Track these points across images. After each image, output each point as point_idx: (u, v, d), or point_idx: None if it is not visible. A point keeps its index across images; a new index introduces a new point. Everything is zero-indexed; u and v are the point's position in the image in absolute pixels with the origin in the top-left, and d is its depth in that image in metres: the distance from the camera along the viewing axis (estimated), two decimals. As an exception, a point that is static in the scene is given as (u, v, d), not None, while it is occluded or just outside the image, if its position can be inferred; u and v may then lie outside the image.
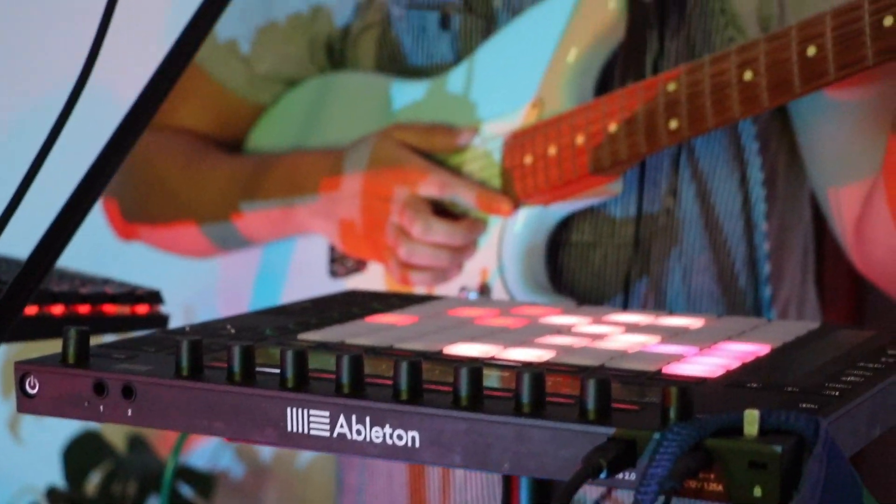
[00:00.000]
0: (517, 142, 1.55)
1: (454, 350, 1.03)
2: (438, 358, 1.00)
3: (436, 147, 1.59)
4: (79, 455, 2.52)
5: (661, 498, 0.75)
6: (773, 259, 1.64)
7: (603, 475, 0.78)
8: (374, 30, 1.68)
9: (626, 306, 1.58)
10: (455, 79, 1.61)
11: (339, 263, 1.70)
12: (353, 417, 0.87)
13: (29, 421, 2.64)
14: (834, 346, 1.07)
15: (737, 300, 1.62)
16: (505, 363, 0.98)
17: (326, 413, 0.88)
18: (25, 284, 0.91)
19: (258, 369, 0.93)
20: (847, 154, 1.54)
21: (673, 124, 1.43)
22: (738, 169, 1.60)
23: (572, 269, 1.59)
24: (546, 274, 1.57)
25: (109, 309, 1.33)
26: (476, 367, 0.87)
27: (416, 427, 0.86)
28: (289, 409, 0.89)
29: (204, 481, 2.54)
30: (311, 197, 1.65)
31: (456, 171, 1.58)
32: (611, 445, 0.79)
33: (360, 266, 1.68)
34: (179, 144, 1.78)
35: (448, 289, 1.59)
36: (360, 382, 0.89)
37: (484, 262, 1.58)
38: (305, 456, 2.48)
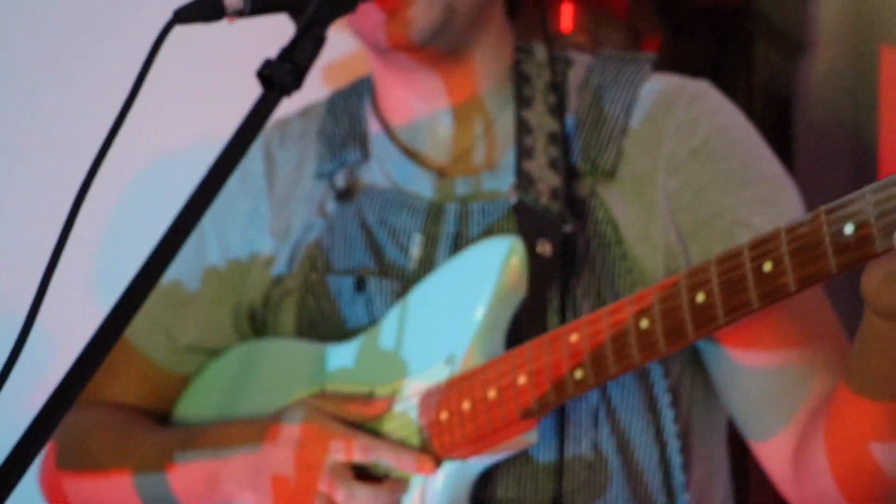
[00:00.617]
0: (432, 399, 1.59)
1: None
2: None
3: (352, 417, 1.63)
4: None
5: None
6: None
7: None
8: (293, 296, 1.73)
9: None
10: (375, 340, 1.66)
11: None
12: None
13: None
14: None
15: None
16: None
17: None
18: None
19: None
20: (765, 414, 1.60)
21: (578, 374, 1.48)
22: (654, 422, 1.65)
23: None
24: None
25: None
26: None
27: None
28: None
29: None
30: (244, 448, 1.67)
31: (375, 433, 1.62)
32: None
33: None
34: (108, 420, 1.81)
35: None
36: None
37: (408, 521, 1.60)
38: None
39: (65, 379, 1.15)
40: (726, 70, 2.60)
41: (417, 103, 1.72)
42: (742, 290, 1.37)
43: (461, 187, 1.69)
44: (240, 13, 1.42)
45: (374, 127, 1.76)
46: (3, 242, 2.65)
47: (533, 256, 1.58)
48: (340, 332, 1.71)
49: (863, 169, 2.83)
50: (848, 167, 2.86)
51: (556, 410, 1.58)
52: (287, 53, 1.44)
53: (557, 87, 1.70)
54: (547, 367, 1.50)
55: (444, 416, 1.58)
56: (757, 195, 1.63)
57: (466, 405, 1.56)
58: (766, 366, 1.59)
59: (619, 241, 1.63)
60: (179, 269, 1.82)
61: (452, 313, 1.60)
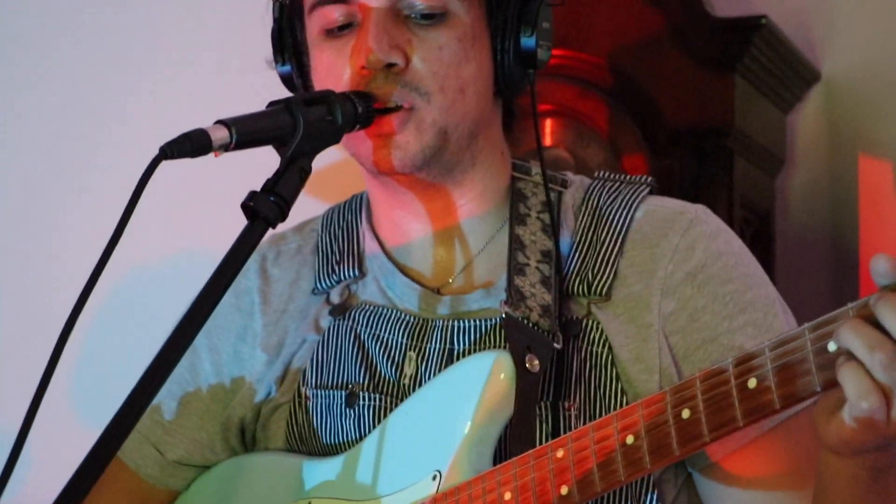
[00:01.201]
0: None
1: None
2: None
3: None
4: None
5: None
6: None
7: None
8: (283, 410, 1.74)
9: None
10: (363, 455, 1.66)
11: None
12: None
13: None
14: None
15: None
16: None
17: None
18: None
19: None
20: None
21: (563, 490, 1.48)
22: None
23: None
24: None
25: None
26: None
27: None
28: None
29: None
30: None
31: None
32: None
33: None
34: None
35: None
36: None
37: None
38: None
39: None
40: (707, 185, 2.63)
41: (413, 223, 1.74)
42: (727, 406, 1.37)
43: (456, 305, 1.70)
44: (225, 147, 1.45)
45: (370, 244, 1.78)
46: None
47: (521, 371, 1.58)
48: (329, 446, 1.71)
49: (843, 281, 2.86)
50: (828, 280, 2.88)
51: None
52: (271, 185, 1.48)
53: (552, 207, 1.71)
54: (532, 483, 1.50)
55: None
56: (751, 321, 1.64)
57: None
58: (759, 495, 1.59)
59: (615, 362, 1.63)
60: (169, 386, 1.80)
61: (439, 429, 1.60)
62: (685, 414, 1.40)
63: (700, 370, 1.58)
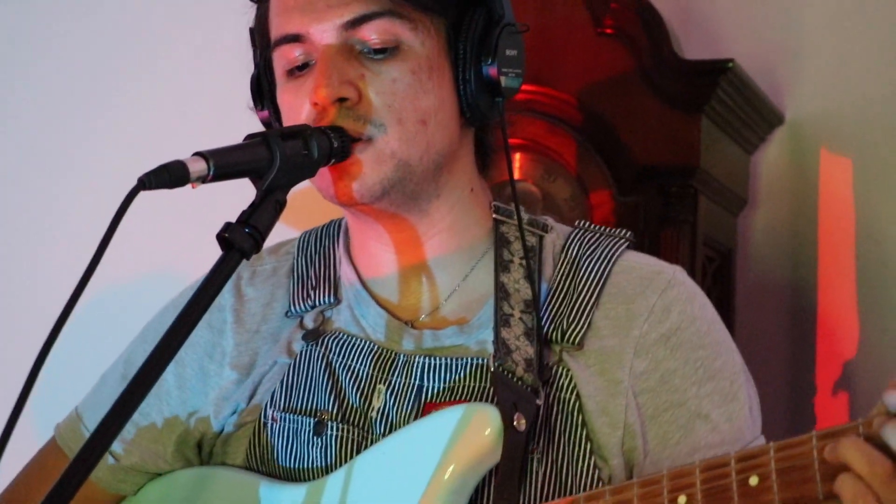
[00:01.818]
0: None
1: None
2: None
3: None
4: None
5: None
6: None
7: None
8: (247, 429, 1.73)
9: None
10: (334, 486, 1.65)
11: None
12: None
13: None
14: None
15: None
16: None
17: None
18: None
19: None
20: None
21: None
22: None
23: None
24: None
25: None
26: None
27: None
28: None
29: None
30: None
31: None
32: None
33: None
34: None
35: None
36: None
37: None
38: None
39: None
40: (671, 224, 2.65)
41: (386, 254, 1.74)
42: (726, 499, 1.38)
43: (429, 340, 1.70)
44: (203, 180, 1.46)
45: (346, 272, 1.78)
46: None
47: (509, 429, 1.58)
48: (291, 470, 1.70)
49: (802, 319, 2.89)
50: (787, 318, 2.91)
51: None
52: (247, 217, 1.49)
53: (530, 255, 1.71)
54: None
55: None
56: (718, 389, 1.65)
57: None
58: None
59: (581, 410, 1.63)
60: None
61: (417, 472, 1.59)
62: (681, 500, 1.41)
63: (665, 432, 1.61)
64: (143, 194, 1.40)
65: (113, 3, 2.98)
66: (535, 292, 1.68)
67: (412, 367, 1.68)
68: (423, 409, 1.66)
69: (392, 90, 1.62)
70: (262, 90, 1.74)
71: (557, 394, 1.63)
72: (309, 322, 1.77)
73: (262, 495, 1.69)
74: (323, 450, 1.68)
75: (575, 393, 1.63)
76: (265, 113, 1.75)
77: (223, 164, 1.47)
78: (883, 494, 1.31)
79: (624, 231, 1.75)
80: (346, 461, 1.66)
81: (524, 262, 1.70)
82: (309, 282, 1.79)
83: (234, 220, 1.50)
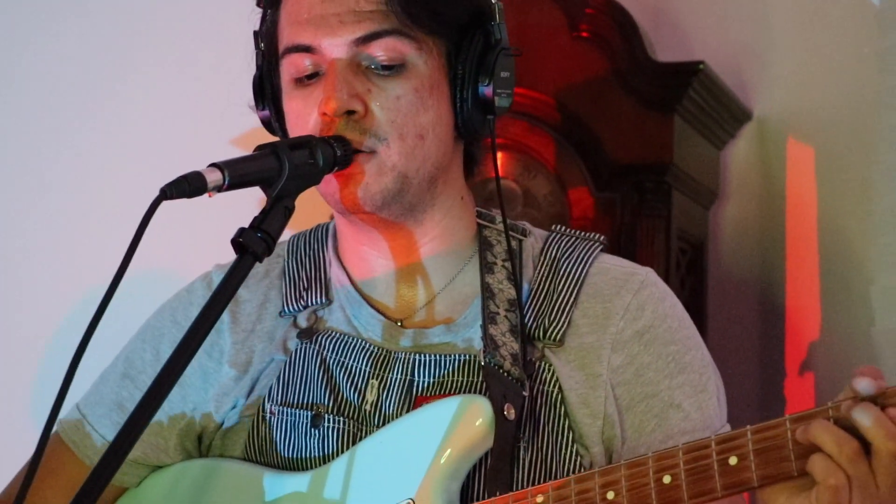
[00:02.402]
0: None
1: None
2: None
3: None
4: None
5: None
6: None
7: None
8: (246, 422, 1.79)
9: None
10: (334, 475, 1.72)
11: None
12: None
13: None
14: None
15: None
16: None
17: None
18: None
19: None
20: None
21: None
22: None
23: None
24: None
25: None
26: None
27: None
28: None
29: None
30: None
31: None
32: None
33: None
34: None
35: None
36: None
37: None
38: None
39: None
40: (646, 217, 2.73)
41: (378, 259, 1.80)
42: (707, 477, 1.47)
43: (417, 338, 1.77)
44: (218, 189, 1.53)
45: (337, 274, 1.84)
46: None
47: (500, 418, 1.64)
48: (289, 461, 1.77)
49: (771, 305, 2.97)
50: (757, 305, 2.99)
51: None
52: (259, 223, 1.56)
53: (513, 257, 1.78)
54: None
55: None
56: (689, 381, 1.74)
57: None
58: None
59: (563, 402, 1.71)
60: (134, 392, 1.88)
61: (414, 459, 1.67)
62: (666, 479, 1.49)
63: (640, 421, 1.70)
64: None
65: (116, 4, 3.03)
66: (519, 292, 1.76)
67: (403, 363, 1.75)
68: (415, 402, 1.73)
69: (396, 106, 1.69)
70: (265, 91, 1.80)
71: (541, 387, 1.71)
72: (302, 321, 1.83)
73: (267, 484, 1.76)
74: (320, 441, 1.75)
75: (557, 386, 1.71)
76: (266, 112, 1.81)
77: (236, 174, 1.54)
78: (851, 471, 1.41)
79: (597, 235, 1.82)
80: (342, 451, 1.73)
81: (507, 264, 1.78)
82: (301, 283, 1.85)
83: (246, 225, 1.57)
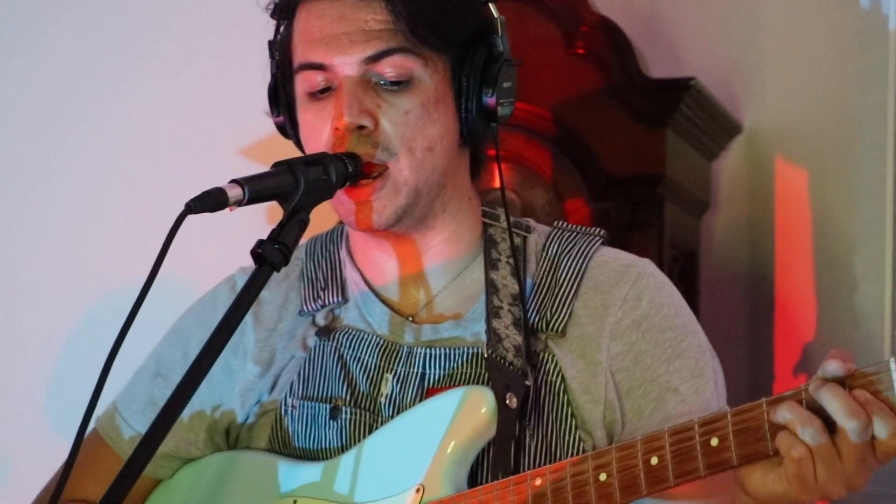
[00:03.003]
0: None
1: None
2: None
3: None
4: None
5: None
6: None
7: None
8: (270, 416, 1.88)
9: None
10: (348, 463, 1.80)
11: None
12: None
13: None
14: None
15: None
16: None
17: None
18: None
19: None
20: None
21: None
22: None
23: None
24: None
25: None
26: None
27: None
28: None
29: None
30: None
31: None
32: None
33: None
34: None
35: None
36: None
37: None
38: None
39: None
40: (639, 227, 2.79)
41: (389, 262, 1.88)
42: (691, 458, 1.56)
43: (429, 333, 1.85)
44: (238, 203, 1.62)
45: (351, 274, 1.92)
46: None
47: (502, 407, 1.72)
48: (310, 451, 1.85)
49: (760, 312, 3.05)
50: (746, 311, 3.07)
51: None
52: (276, 234, 1.65)
53: (517, 254, 1.86)
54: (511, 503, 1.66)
55: None
56: (685, 366, 1.81)
57: None
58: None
59: (566, 390, 1.79)
60: (166, 391, 1.90)
61: (423, 447, 1.75)
62: (654, 461, 1.57)
63: (639, 405, 1.78)
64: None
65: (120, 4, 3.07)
66: (522, 287, 1.83)
67: (415, 357, 1.83)
68: (426, 393, 1.81)
69: (405, 121, 1.77)
70: (279, 99, 1.87)
71: (544, 377, 1.78)
72: (320, 320, 1.91)
73: (282, 473, 1.84)
74: (338, 432, 1.83)
75: (560, 375, 1.79)
76: (280, 118, 1.88)
77: (256, 190, 1.63)
78: (813, 446, 1.50)
79: (597, 229, 1.90)
80: (359, 441, 1.81)
81: (511, 260, 1.85)
82: (318, 284, 1.93)
83: (265, 237, 1.65)
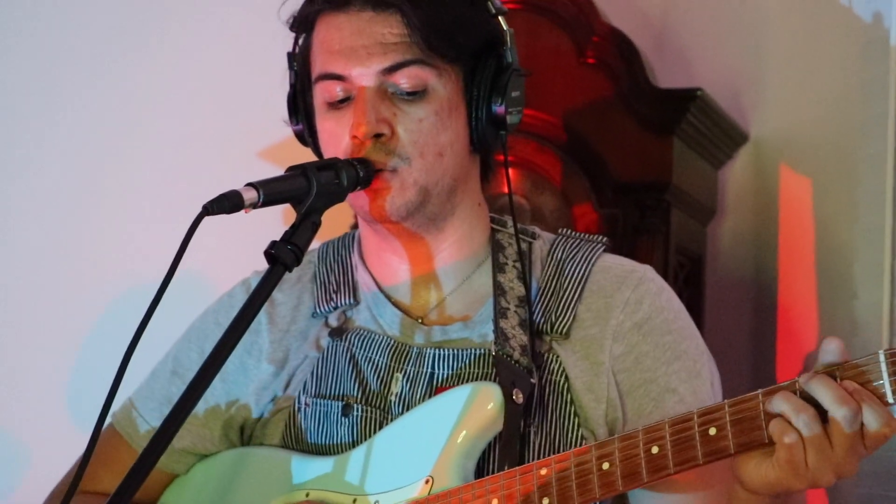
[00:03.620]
0: None
1: None
2: None
3: None
4: None
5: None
6: None
7: None
8: (284, 413, 1.93)
9: None
10: (359, 457, 1.85)
11: None
12: None
13: None
14: None
15: None
16: None
17: None
18: None
19: None
20: None
21: (545, 502, 1.69)
22: None
23: None
24: None
25: None
26: None
27: None
28: None
29: None
30: None
31: None
32: None
33: None
34: None
35: None
36: None
37: None
38: None
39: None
40: (647, 233, 2.83)
41: (400, 264, 1.94)
42: (690, 447, 1.61)
43: (437, 335, 1.90)
44: (254, 205, 1.67)
45: (363, 277, 1.97)
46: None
47: (509, 402, 1.77)
48: (323, 447, 1.90)
49: (764, 317, 3.07)
50: (750, 316, 3.10)
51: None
52: (288, 236, 1.70)
53: (523, 258, 1.91)
54: (518, 493, 1.71)
55: None
56: (684, 367, 1.86)
57: None
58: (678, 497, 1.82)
59: (569, 389, 1.84)
60: (179, 385, 2.00)
61: (432, 440, 1.79)
62: (654, 450, 1.62)
63: (639, 405, 1.83)
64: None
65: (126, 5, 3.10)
66: (528, 290, 1.88)
67: (424, 357, 1.88)
68: (435, 392, 1.86)
69: (419, 128, 1.83)
70: (298, 108, 1.93)
71: (549, 377, 1.84)
72: (333, 321, 1.96)
73: (294, 466, 1.89)
74: (350, 428, 1.88)
75: (564, 376, 1.84)
76: (300, 127, 1.94)
77: (270, 193, 1.68)
78: (805, 432, 1.55)
79: (600, 237, 1.95)
80: (370, 437, 1.86)
81: (517, 264, 1.90)
82: (330, 286, 1.98)
83: (278, 238, 1.70)
